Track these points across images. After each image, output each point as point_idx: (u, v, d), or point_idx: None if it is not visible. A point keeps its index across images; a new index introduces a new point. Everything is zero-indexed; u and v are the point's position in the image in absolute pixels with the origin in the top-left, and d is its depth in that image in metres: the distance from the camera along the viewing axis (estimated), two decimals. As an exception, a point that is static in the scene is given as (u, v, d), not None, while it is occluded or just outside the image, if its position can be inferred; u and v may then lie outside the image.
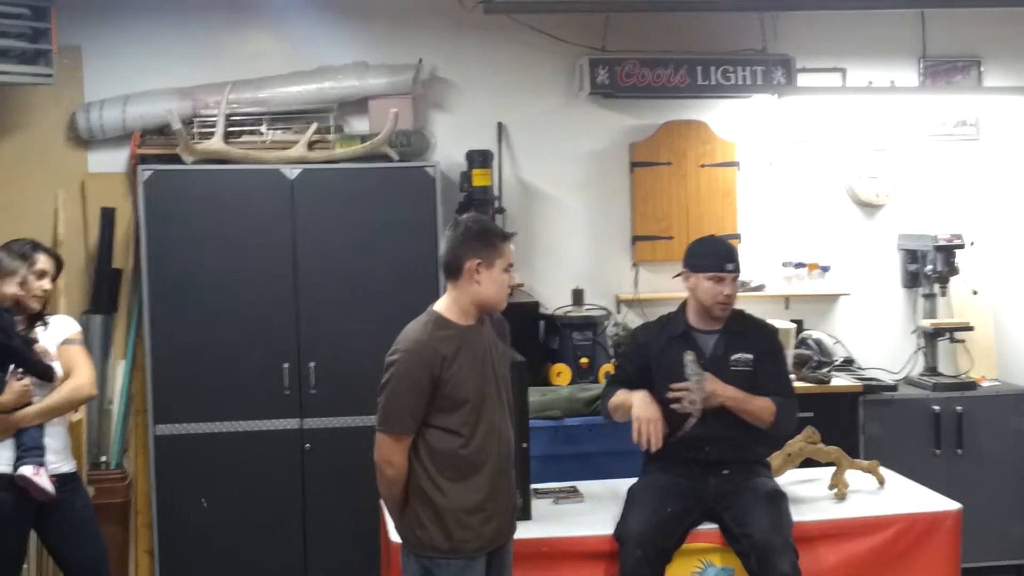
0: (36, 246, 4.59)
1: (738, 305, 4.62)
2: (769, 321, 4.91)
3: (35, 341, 4.47)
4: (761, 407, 4.38)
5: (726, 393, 4.34)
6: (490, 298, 3.76)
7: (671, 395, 4.32)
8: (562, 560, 4.26)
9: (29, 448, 4.37)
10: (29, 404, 4.37)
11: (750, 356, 4.46)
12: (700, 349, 4.47)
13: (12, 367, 4.35)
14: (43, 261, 4.54)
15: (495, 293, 3.76)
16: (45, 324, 4.59)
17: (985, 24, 6.79)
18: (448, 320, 3.73)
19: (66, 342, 4.60)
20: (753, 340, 4.53)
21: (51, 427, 4.47)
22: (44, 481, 4.34)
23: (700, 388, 4.30)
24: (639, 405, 4.32)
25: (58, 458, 4.48)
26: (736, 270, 4.46)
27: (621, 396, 4.47)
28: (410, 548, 3.76)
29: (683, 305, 4.62)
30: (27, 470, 4.32)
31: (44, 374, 4.44)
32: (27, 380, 4.35)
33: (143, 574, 5.90)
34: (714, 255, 4.48)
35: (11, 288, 4.42)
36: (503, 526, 3.83)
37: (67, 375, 4.53)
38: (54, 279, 4.61)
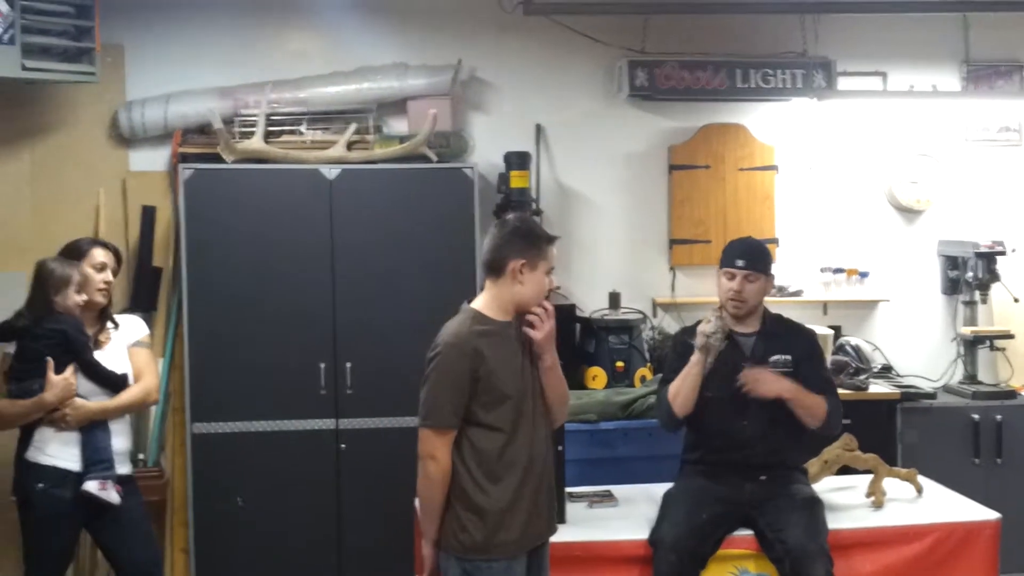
0: (93, 241, 4.65)
1: (775, 310, 4.65)
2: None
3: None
4: (815, 402, 4.38)
5: (782, 383, 4.34)
6: (529, 299, 3.78)
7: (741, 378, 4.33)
8: (596, 564, 4.26)
9: (95, 461, 4.40)
10: (74, 396, 4.38)
11: (788, 357, 4.46)
12: (740, 350, 4.48)
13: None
14: (101, 254, 4.57)
15: (534, 295, 3.78)
16: (116, 325, 4.63)
17: (1029, 29, 6.74)
18: (486, 316, 3.76)
19: (136, 344, 4.66)
20: (791, 342, 4.53)
21: (115, 426, 4.51)
22: (110, 495, 4.39)
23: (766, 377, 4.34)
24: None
25: (118, 460, 4.51)
26: (748, 267, 4.45)
27: (676, 382, 4.46)
28: (451, 551, 3.75)
29: (721, 308, 4.61)
30: (92, 486, 4.35)
31: (117, 386, 4.49)
32: (67, 372, 4.37)
33: (179, 573, 5.93)
34: (729, 251, 4.54)
35: (73, 298, 4.39)
36: (543, 525, 3.85)
37: (136, 376, 4.59)
38: (115, 272, 4.64)
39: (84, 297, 4.43)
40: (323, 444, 5.76)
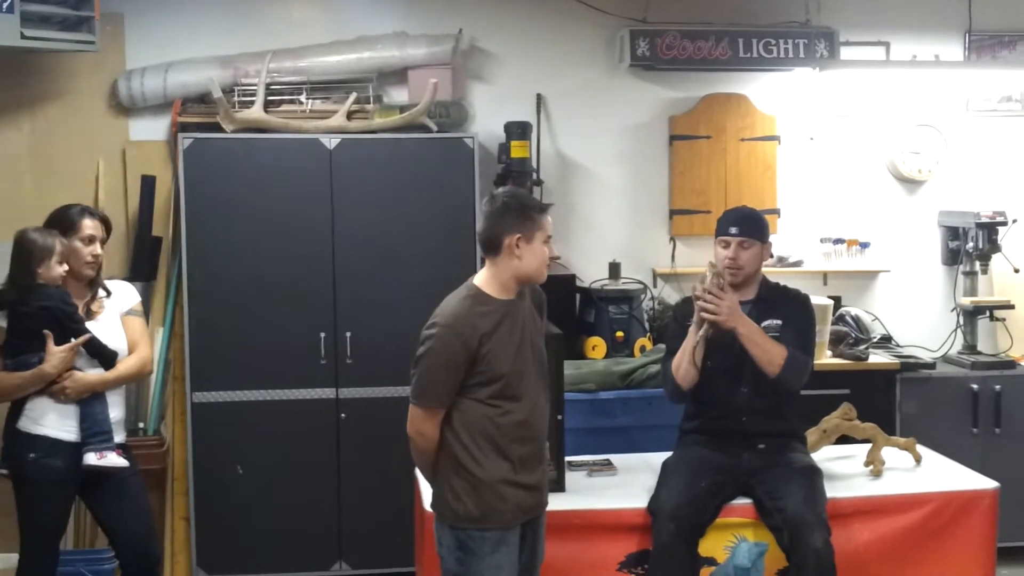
0: (83, 211, 4.57)
1: (776, 279, 4.65)
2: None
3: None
4: (772, 348, 4.32)
5: (741, 318, 4.31)
6: (531, 271, 3.77)
7: (697, 294, 4.31)
8: (595, 532, 4.28)
9: (93, 433, 4.40)
10: (72, 368, 4.38)
11: (779, 322, 4.46)
12: None
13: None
14: (90, 226, 4.51)
15: (536, 266, 3.77)
16: (108, 293, 4.60)
17: (1032, -1, 6.70)
18: (488, 295, 3.74)
19: (130, 312, 4.64)
20: (783, 307, 4.53)
21: (110, 397, 4.50)
22: (112, 461, 4.41)
23: (727, 299, 4.29)
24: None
25: (113, 430, 4.52)
26: (743, 234, 4.44)
27: (677, 355, 4.44)
28: (445, 520, 3.78)
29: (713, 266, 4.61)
30: (91, 458, 4.36)
31: (109, 360, 4.47)
32: (66, 344, 4.36)
33: (179, 541, 5.94)
34: (724, 220, 4.54)
35: (56, 269, 4.35)
36: (538, 498, 3.86)
37: (131, 347, 4.57)
38: (104, 243, 4.59)
39: (66, 268, 4.39)
40: (323, 413, 5.77)
